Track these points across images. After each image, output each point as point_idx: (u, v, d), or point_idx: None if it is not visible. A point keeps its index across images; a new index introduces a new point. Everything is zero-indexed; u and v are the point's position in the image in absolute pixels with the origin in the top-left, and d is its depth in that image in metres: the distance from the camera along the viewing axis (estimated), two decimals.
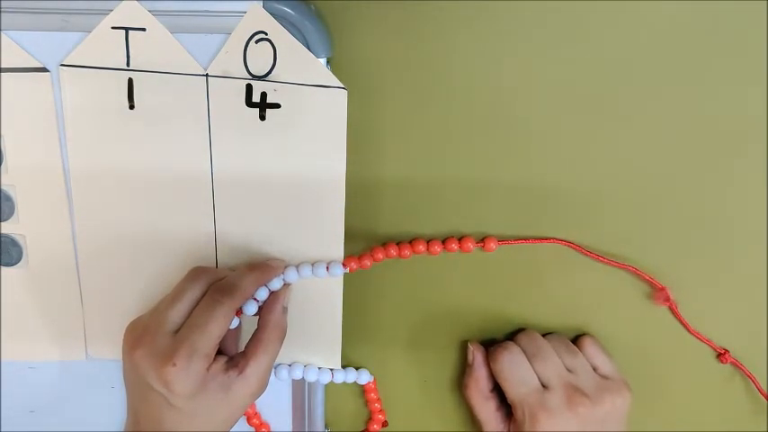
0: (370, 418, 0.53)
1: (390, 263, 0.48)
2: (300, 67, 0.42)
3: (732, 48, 0.44)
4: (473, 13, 0.44)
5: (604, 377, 0.48)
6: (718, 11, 0.43)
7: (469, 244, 0.48)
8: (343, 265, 0.47)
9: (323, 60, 0.43)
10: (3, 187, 0.46)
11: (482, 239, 0.48)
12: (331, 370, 0.50)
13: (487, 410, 0.49)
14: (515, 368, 0.47)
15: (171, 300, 0.42)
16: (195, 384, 0.40)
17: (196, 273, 0.44)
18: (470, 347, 0.50)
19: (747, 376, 0.51)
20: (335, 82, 0.43)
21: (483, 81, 0.45)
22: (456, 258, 0.49)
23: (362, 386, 0.52)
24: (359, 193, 0.47)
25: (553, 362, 0.47)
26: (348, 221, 0.46)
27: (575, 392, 0.46)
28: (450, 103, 0.45)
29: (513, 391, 0.47)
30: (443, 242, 0.48)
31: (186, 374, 0.40)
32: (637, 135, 0.46)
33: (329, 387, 0.52)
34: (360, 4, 0.43)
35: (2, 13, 0.42)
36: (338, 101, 0.43)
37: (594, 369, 0.48)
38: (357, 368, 0.52)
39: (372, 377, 0.52)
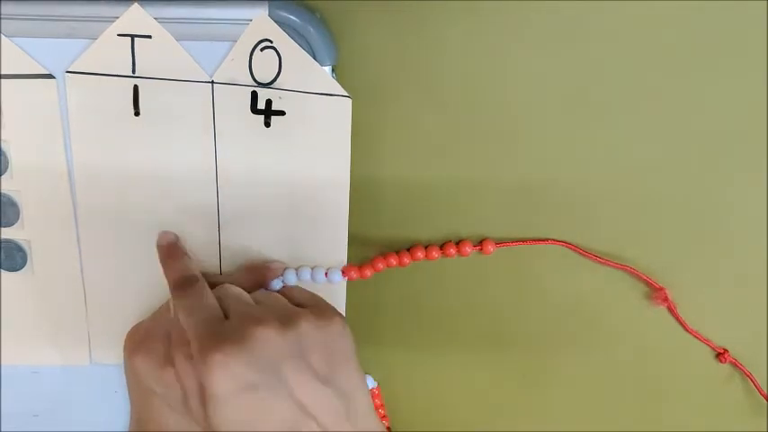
0: None
1: (389, 272, 0.49)
2: (305, 75, 0.43)
3: (732, 48, 0.44)
4: (477, 21, 0.44)
5: (300, 305, 0.42)
6: (718, 11, 0.43)
7: (467, 248, 0.48)
8: (343, 273, 0.47)
9: (328, 68, 0.43)
10: (8, 193, 0.46)
11: (479, 242, 0.48)
12: None
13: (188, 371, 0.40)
14: (195, 301, 0.41)
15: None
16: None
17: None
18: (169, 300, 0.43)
19: (747, 376, 0.51)
20: (340, 90, 0.43)
21: (483, 86, 0.45)
22: (455, 261, 0.49)
23: None
24: (356, 194, 0.47)
25: (238, 297, 0.41)
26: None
27: (252, 318, 0.39)
28: (452, 105, 0.46)
29: (189, 323, 0.39)
30: (441, 247, 0.48)
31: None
32: (635, 135, 0.46)
33: None
34: (365, 13, 0.44)
35: (9, 20, 0.42)
36: (342, 109, 0.43)
37: (291, 301, 0.43)
38: None
39: (376, 383, 0.52)
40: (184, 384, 0.39)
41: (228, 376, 0.36)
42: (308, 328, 0.39)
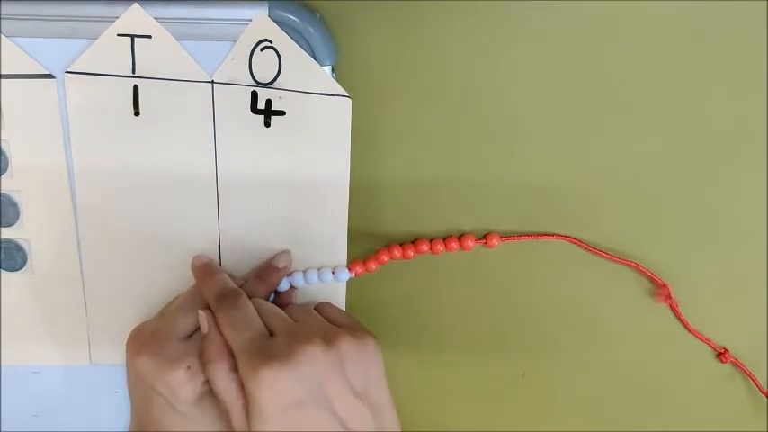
0: None
1: (393, 265, 0.49)
2: (305, 75, 0.43)
3: (732, 48, 0.44)
4: (476, 20, 0.44)
5: (337, 324, 0.43)
6: (718, 11, 0.43)
7: (469, 241, 0.48)
8: (349, 269, 0.47)
9: (328, 68, 0.43)
10: (8, 192, 0.46)
11: (484, 236, 0.48)
12: None
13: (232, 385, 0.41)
14: (240, 316, 0.42)
15: (183, 306, 0.43)
16: (201, 390, 0.41)
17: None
18: (200, 314, 0.43)
19: (747, 375, 0.51)
20: (340, 90, 0.43)
21: (485, 82, 0.45)
22: (459, 257, 0.49)
23: None
24: (359, 193, 0.47)
25: (277, 313, 0.43)
26: (349, 223, 0.46)
27: (298, 336, 0.40)
28: (453, 104, 0.46)
29: (235, 339, 0.40)
30: (445, 240, 0.48)
31: (196, 379, 0.40)
32: (639, 132, 0.46)
33: None
34: (365, 13, 0.44)
35: (9, 20, 0.42)
36: (342, 109, 0.43)
37: (327, 320, 0.44)
38: None
39: None
40: (225, 396, 0.40)
41: (277, 392, 0.37)
42: (347, 347, 0.40)
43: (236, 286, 0.44)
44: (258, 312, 0.42)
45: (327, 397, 0.39)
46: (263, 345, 0.39)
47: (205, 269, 0.45)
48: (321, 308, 0.45)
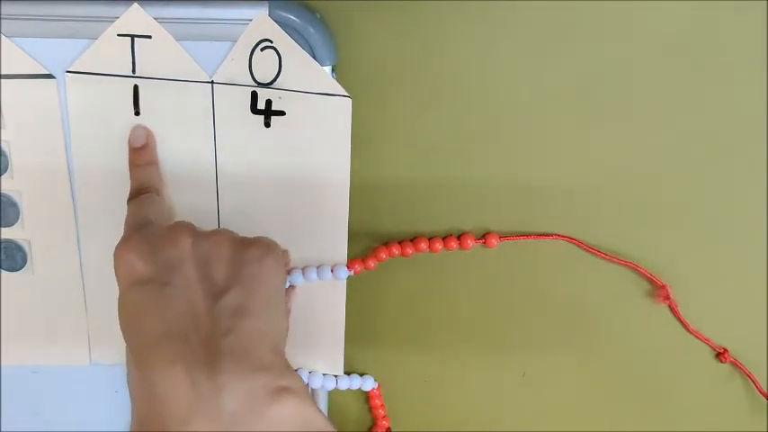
0: (374, 424, 0.54)
1: (392, 265, 0.49)
2: (305, 75, 0.43)
3: (732, 48, 0.44)
4: (477, 20, 0.44)
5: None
6: (718, 11, 0.43)
7: (469, 241, 0.48)
8: (348, 267, 0.47)
9: (328, 68, 0.43)
10: (8, 192, 0.46)
11: (483, 236, 0.48)
12: (335, 376, 0.50)
13: None
14: (139, 206, 0.42)
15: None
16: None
17: None
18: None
19: (747, 376, 0.51)
20: (340, 90, 0.43)
21: (485, 82, 0.45)
22: (458, 256, 0.49)
23: (367, 392, 0.53)
24: (359, 192, 0.47)
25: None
26: (348, 221, 0.46)
27: (178, 224, 0.38)
28: (453, 104, 0.46)
29: (126, 221, 0.40)
30: (444, 240, 0.48)
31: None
32: (639, 133, 0.46)
33: (333, 392, 0.52)
34: (365, 13, 0.44)
35: (9, 20, 0.42)
36: (343, 109, 0.43)
37: None
38: (361, 374, 0.52)
39: (376, 383, 0.52)
40: None
41: (125, 269, 0.36)
42: (220, 239, 0.37)
43: (153, 183, 0.43)
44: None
45: (175, 281, 0.35)
46: (139, 227, 0.38)
47: (138, 156, 0.44)
48: None
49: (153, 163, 0.45)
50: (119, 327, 0.36)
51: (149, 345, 0.34)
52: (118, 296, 0.37)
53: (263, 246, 0.38)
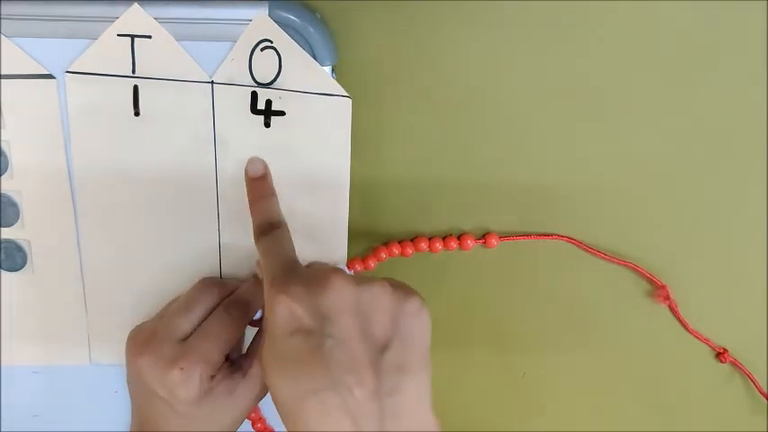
0: None
1: (392, 264, 0.49)
2: (305, 75, 0.43)
3: (732, 48, 0.44)
4: (476, 20, 0.44)
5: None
6: (718, 11, 0.43)
7: (468, 241, 0.48)
8: (348, 266, 0.47)
9: (328, 68, 0.43)
10: (8, 192, 0.46)
11: (483, 236, 0.48)
12: None
13: None
14: (275, 244, 0.41)
15: (182, 308, 0.43)
16: (200, 390, 0.41)
17: (209, 284, 0.44)
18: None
19: (746, 376, 0.51)
20: (340, 90, 0.43)
21: (485, 82, 0.45)
22: (458, 256, 0.49)
23: None
24: (359, 192, 0.47)
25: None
26: (348, 221, 0.46)
27: (331, 268, 0.38)
28: (453, 104, 0.46)
29: (266, 266, 0.40)
30: (444, 239, 0.48)
31: (191, 381, 0.40)
32: (639, 133, 0.46)
33: None
34: (365, 13, 0.44)
35: (9, 20, 0.42)
36: (343, 109, 0.43)
37: None
38: None
39: None
40: None
41: (284, 317, 0.36)
42: (381, 291, 0.36)
43: (280, 217, 0.42)
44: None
45: (336, 334, 0.35)
46: (291, 270, 0.38)
47: (258, 190, 0.44)
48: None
49: (274, 194, 0.44)
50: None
51: (309, 395, 0.34)
52: (269, 341, 0.36)
53: (419, 298, 0.38)
